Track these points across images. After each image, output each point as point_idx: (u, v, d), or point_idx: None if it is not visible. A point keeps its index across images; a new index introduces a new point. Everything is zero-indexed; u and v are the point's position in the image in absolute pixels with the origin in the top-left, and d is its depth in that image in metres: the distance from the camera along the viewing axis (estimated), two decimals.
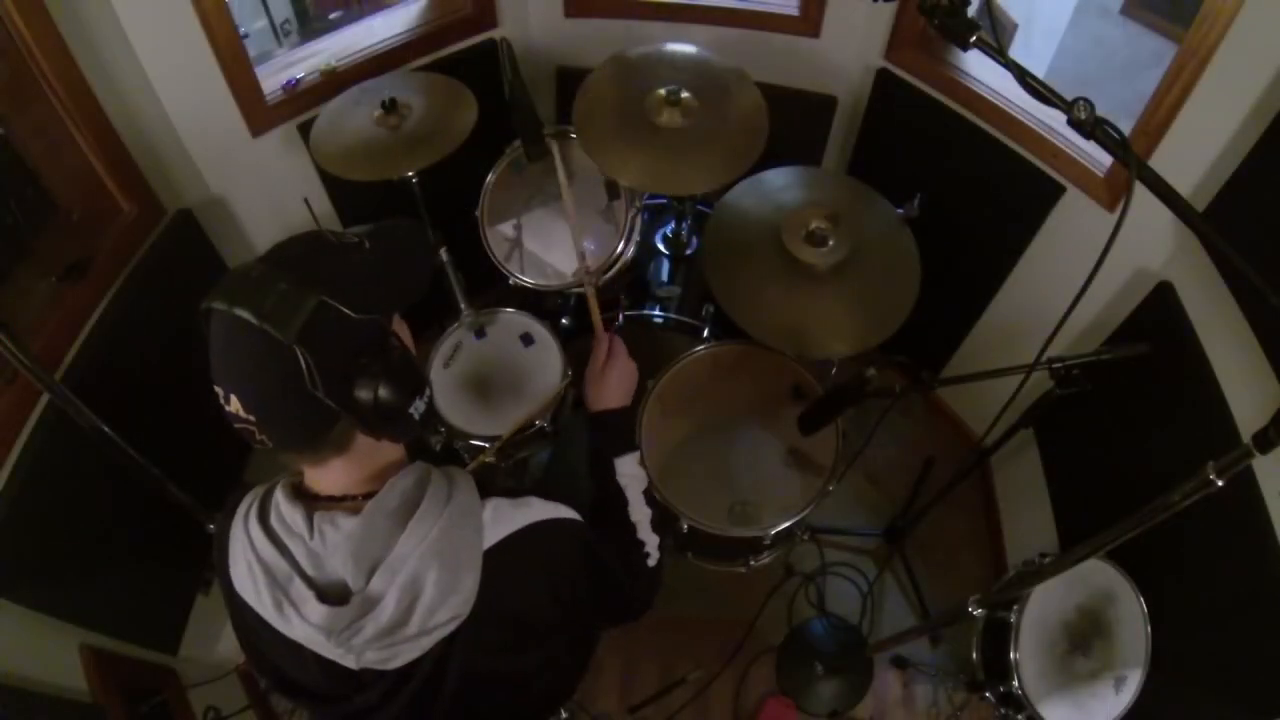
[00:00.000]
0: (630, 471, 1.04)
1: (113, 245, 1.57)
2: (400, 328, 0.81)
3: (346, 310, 0.69)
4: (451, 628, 0.76)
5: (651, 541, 1.01)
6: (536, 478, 2.10)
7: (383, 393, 0.71)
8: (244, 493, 0.83)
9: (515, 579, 0.80)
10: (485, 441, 1.67)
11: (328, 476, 0.79)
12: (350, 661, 0.76)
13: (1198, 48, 1.30)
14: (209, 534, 1.49)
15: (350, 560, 0.74)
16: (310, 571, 0.76)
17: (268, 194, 1.94)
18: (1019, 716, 1.46)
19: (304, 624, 0.75)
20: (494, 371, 1.77)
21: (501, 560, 0.78)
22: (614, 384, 1.09)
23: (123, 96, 1.53)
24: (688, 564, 1.84)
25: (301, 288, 0.68)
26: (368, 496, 0.77)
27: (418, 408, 0.76)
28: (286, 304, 0.67)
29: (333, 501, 0.79)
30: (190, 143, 1.72)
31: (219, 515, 0.85)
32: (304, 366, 0.67)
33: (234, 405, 0.69)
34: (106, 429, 1.24)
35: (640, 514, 1.02)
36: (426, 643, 0.76)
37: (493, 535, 0.79)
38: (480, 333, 1.80)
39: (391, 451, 0.82)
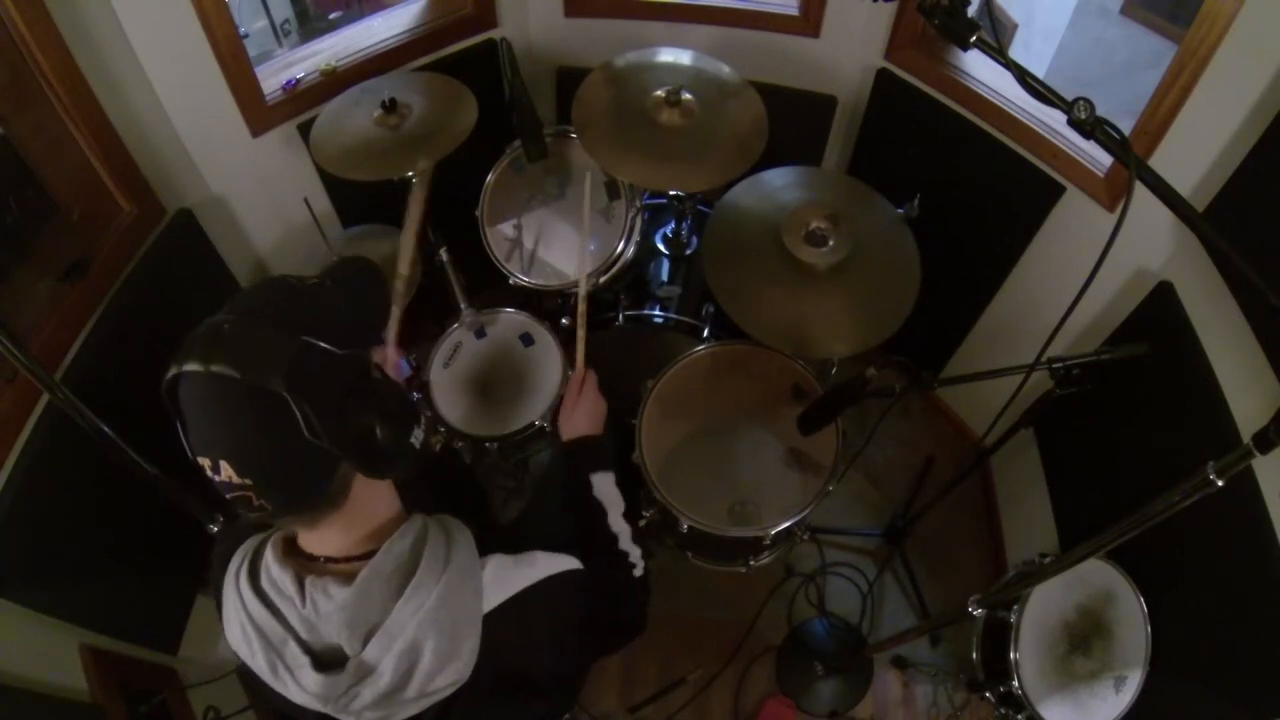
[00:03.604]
0: (605, 490, 1.02)
1: (113, 245, 1.56)
2: (375, 356, 0.77)
3: (330, 348, 0.66)
4: (450, 691, 0.75)
5: (635, 553, 1.00)
6: (538, 477, 2.10)
7: (381, 427, 0.68)
8: (238, 535, 0.81)
9: (517, 639, 0.78)
10: (488, 441, 1.67)
11: (323, 538, 0.75)
12: (350, 719, 0.74)
13: (1198, 48, 1.30)
14: (209, 534, 1.49)
15: (345, 628, 0.71)
16: (304, 635, 0.74)
17: (268, 194, 1.94)
18: (1019, 716, 1.46)
19: (300, 690, 0.73)
20: (494, 371, 1.77)
21: (503, 623, 0.76)
22: (585, 414, 1.12)
23: (123, 96, 1.53)
24: (688, 564, 1.84)
25: (280, 332, 0.64)
26: (364, 557, 0.74)
27: (417, 436, 0.74)
28: (268, 350, 0.63)
29: (327, 563, 0.75)
30: (190, 143, 1.72)
31: (228, 524, 0.83)
32: (298, 413, 0.62)
33: (225, 473, 0.64)
34: (106, 429, 1.24)
35: (620, 527, 1.00)
36: (425, 703, 0.75)
37: (494, 598, 0.77)
38: (480, 333, 1.80)
39: (387, 507, 0.79)
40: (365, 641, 0.72)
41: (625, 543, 0.99)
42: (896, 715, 1.96)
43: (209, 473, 0.65)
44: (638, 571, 0.99)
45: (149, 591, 1.69)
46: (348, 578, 0.73)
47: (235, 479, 0.64)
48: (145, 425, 1.35)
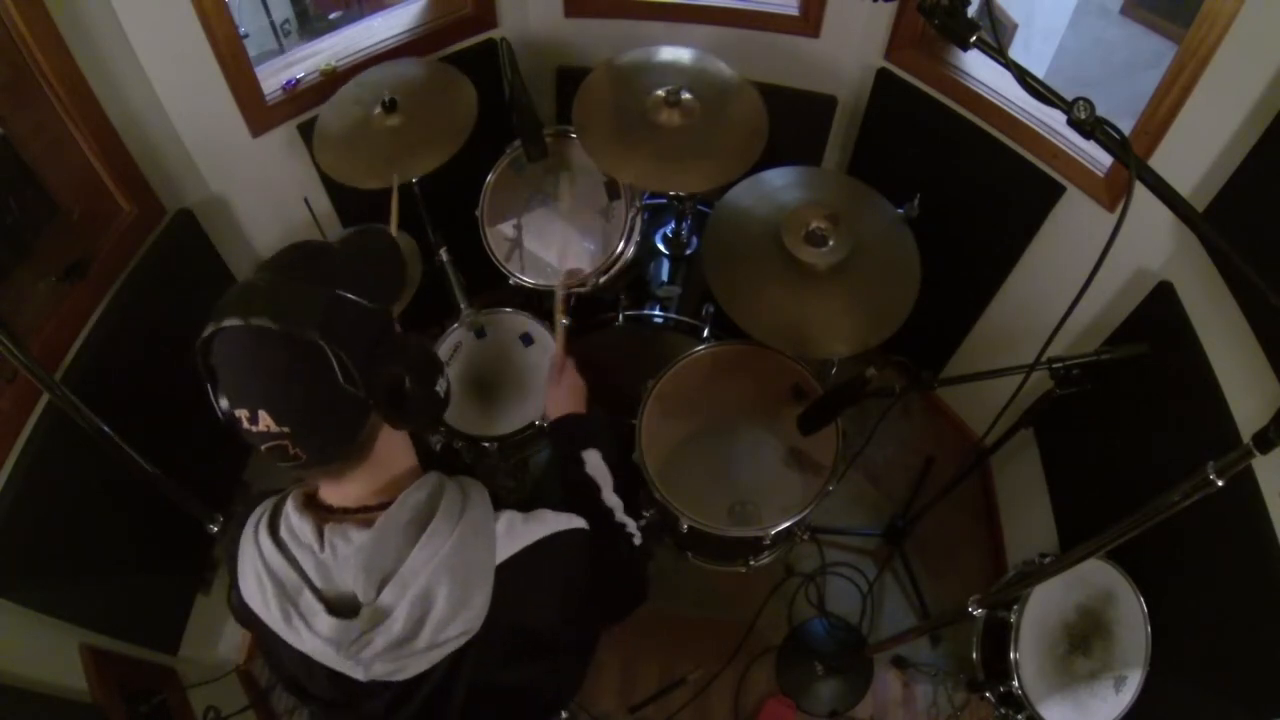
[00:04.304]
0: (596, 465, 1.05)
1: (113, 245, 1.56)
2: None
3: (359, 300, 0.70)
4: (461, 642, 0.76)
5: (631, 524, 1.02)
6: (537, 477, 2.10)
7: (410, 374, 0.71)
8: (252, 503, 0.83)
9: (527, 593, 0.80)
10: (487, 442, 1.67)
11: (343, 489, 0.78)
12: (359, 674, 0.75)
13: (1198, 48, 1.30)
14: (209, 534, 1.50)
15: (361, 573, 0.73)
16: (319, 584, 0.75)
17: (268, 194, 1.94)
18: (1019, 716, 1.46)
19: (313, 636, 0.74)
20: (494, 371, 1.77)
21: (514, 575, 0.78)
22: (566, 393, 1.18)
23: (123, 96, 1.53)
24: (688, 564, 1.84)
25: (313, 285, 0.68)
26: (381, 508, 0.76)
27: (442, 385, 0.77)
28: (304, 302, 0.66)
29: (346, 514, 0.78)
30: (190, 143, 1.72)
31: (228, 524, 0.85)
32: (334, 361, 0.66)
33: (263, 423, 0.66)
34: (106, 429, 1.24)
35: (613, 501, 1.02)
36: (436, 656, 0.76)
37: (505, 550, 0.79)
38: (480, 333, 1.80)
39: (405, 459, 0.82)
40: (380, 589, 0.74)
41: (621, 515, 1.02)
42: (896, 715, 1.96)
43: (246, 424, 0.67)
44: (635, 541, 1.02)
45: (149, 591, 1.69)
46: (366, 524, 0.75)
47: (273, 428, 0.66)
48: (145, 425, 1.36)
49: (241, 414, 0.67)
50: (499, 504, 0.83)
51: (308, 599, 0.75)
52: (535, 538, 0.81)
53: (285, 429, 0.66)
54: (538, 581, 0.81)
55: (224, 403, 0.68)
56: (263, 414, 0.66)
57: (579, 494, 1.02)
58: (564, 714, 1.21)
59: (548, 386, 1.21)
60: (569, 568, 0.85)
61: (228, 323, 0.65)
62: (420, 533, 0.75)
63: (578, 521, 0.86)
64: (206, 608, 1.83)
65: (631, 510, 1.03)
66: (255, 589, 0.77)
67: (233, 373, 0.67)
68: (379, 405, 0.71)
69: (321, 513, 0.78)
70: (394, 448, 0.79)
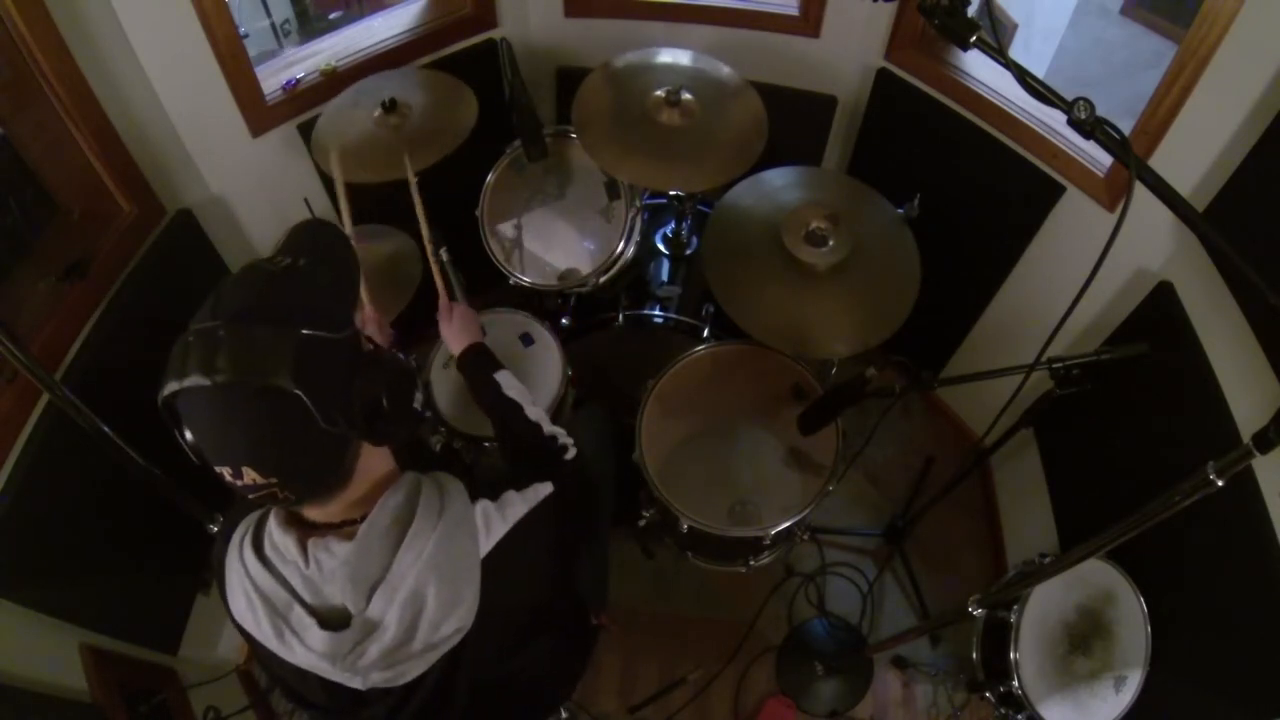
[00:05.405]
0: (510, 382, 1.11)
1: (113, 245, 1.56)
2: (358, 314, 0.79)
3: (326, 334, 0.67)
4: (456, 640, 0.76)
5: (560, 434, 1.04)
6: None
7: (386, 393, 0.70)
8: (238, 518, 0.82)
9: (513, 578, 0.80)
10: (487, 442, 1.67)
11: (326, 507, 0.77)
12: (357, 683, 0.75)
13: (1198, 48, 1.30)
14: (209, 534, 1.50)
15: (349, 584, 0.73)
16: (309, 599, 0.75)
17: (268, 194, 1.93)
18: (1019, 716, 1.46)
19: (307, 651, 0.74)
20: None
21: (499, 564, 0.78)
22: (460, 328, 1.28)
23: (123, 96, 1.53)
24: (688, 564, 1.84)
25: (277, 329, 0.64)
26: (362, 520, 0.75)
27: (418, 399, 0.76)
28: (271, 352, 0.62)
29: (329, 528, 0.77)
30: (190, 143, 1.72)
31: (217, 539, 0.84)
32: (312, 407, 0.63)
33: (249, 477, 0.64)
34: (106, 429, 1.24)
35: (537, 415, 1.06)
36: (432, 657, 0.76)
37: (487, 542, 0.79)
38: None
39: (381, 466, 0.80)
40: (369, 598, 0.73)
41: (548, 427, 1.04)
42: (896, 715, 1.96)
43: (229, 478, 0.65)
44: (570, 454, 1.03)
45: (149, 591, 1.69)
46: (349, 536, 0.75)
47: (259, 480, 0.65)
48: (145, 425, 1.35)
49: (224, 471, 0.65)
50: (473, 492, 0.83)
51: (298, 614, 0.74)
52: (512, 523, 0.81)
53: (273, 480, 0.65)
54: (522, 564, 0.82)
55: (200, 458, 0.66)
56: (247, 470, 0.64)
57: (505, 418, 1.06)
58: (564, 714, 1.21)
59: (441, 326, 1.30)
60: (546, 538, 0.85)
61: (190, 382, 0.62)
62: (403, 535, 0.74)
63: (542, 490, 0.86)
64: (206, 608, 1.83)
65: (556, 422, 1.07)
66: (245, 608, 0.77)
67: (206, 433, 0.64)
68: (360, 431, 0.70)
69: (304, 528, 0.77)
70: (372, 460, 0.78)
